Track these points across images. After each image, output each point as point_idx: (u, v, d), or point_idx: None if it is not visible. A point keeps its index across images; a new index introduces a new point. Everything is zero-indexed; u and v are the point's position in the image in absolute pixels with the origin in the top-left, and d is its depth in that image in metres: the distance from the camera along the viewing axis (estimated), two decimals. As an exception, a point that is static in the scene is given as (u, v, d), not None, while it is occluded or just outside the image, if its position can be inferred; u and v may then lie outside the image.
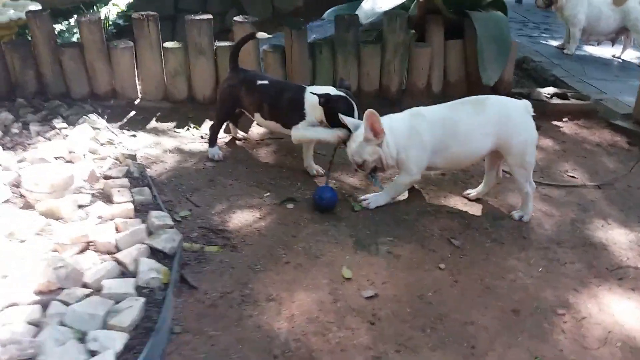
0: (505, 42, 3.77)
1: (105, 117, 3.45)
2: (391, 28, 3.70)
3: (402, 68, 3.83)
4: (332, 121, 2.73)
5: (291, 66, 3.71)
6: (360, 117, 2.62)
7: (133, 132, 3.36)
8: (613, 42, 5.28)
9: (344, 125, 2.65)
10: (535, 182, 2.66)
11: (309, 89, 2.84)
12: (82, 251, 2.09)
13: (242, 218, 2.55)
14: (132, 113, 3.64)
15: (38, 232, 2.17)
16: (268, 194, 2.77)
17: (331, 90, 2.75)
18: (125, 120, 3.50)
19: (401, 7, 3.87)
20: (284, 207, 2.66)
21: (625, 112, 3.80)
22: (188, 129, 3.49)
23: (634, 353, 1.87)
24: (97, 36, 3.53)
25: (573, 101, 3.94)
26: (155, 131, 3.44)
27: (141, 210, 2.43)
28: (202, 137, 3.39)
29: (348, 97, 2.72)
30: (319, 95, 2.68)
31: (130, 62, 3.64)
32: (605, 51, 5.42)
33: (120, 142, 3.11)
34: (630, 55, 5.24)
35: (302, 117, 2.85)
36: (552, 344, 1.89)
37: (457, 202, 2.76)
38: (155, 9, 6.82)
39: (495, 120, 2.52)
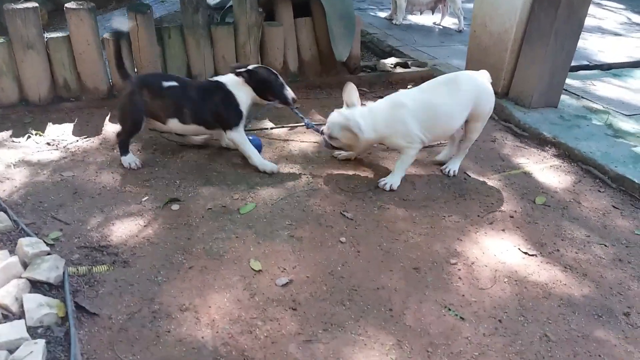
0: (351, 18, 3.94)
1: None
2: (242, 9, 3.61)
3: (256, 49, 3.78)
4: (264, 95, 2.82)
5: (138, 54, 3.42)
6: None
7: (-41, 149, 2.82)
8: (433, 10, 5.86)
9: (273, 96, 2.82)
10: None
11: (224, 79, 2.82)
12: (-60, 303, 1.73)
13: (124, 229, 2.33)
14: (-49, 126, 3.05)
15: None
16: (146, 197, 2.56)
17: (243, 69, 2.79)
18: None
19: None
20: (169, 209, 2.49)
21: (457, 75, 4.27)
22: (29, 137, 3.04)
23: (518, 284, 2.17)
24: None
25: (414, 69, 4.31)
26: (-13, 145, 2.93)
27: (3, 241, 2.08)
28: (48, 143, 2.99)
29: (261, 65, 2.82)
30: (240, 73, 2.72)
31: (-64, 65, 3.02)
32: (426, 19, 5.99)
33: (-53, 164, 2.60)
34: (448, 22, 5.87)
35: (240, 114, 2.78)
36: (454, 291, 2.11)
37: (338, 177, 2.86)
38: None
39: (471, 95, 2.74)
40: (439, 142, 3.23)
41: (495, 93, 3.84)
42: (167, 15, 5.52)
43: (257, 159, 2.83)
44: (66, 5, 3.23)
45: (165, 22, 5.07)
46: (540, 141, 3.39)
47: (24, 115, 3.25)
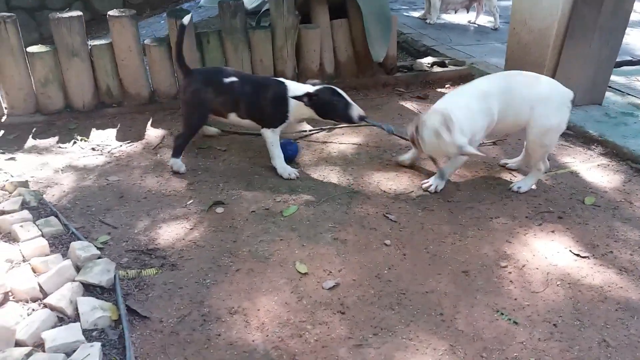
0: (388, 18, 3.90)
1: (-29, 141, 2.93)
2: (279, 12, 3.61)
3: (293, 52, 3.78)
4: (326, 116, 2.74)
5: (179, 60, 3.46)
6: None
7: (10, 155, 2.90)
8: (467, 9, 5.76)
9: (338, 117, 2.74)
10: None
11: (289, 84, 2.77)
12: (1, 305, 1.77)
13: (171, 232, 2.35)
14: (1, 133, 3.14)
15: None
16: (191, 201, 2.58)
17: (308, 88, 2.72)
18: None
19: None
20: (213, 212, 2.51)
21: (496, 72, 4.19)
22: (75, 143, 3.11)
23: (572, 287, 2.10)
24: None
25: (451, 68, 4.24)
26: (37, 150, 3.01)
27: (55, 244, 2.12)
28: (93, 149, 3.05)
29: (327, 85, 2.74)
30: (300, 98, 2.68)
31: (-12, 73, 3.12)
32: (461, 18, 5.90)
33: (0, 169, 2.67)
34: (483, 20, 5.77)
35: (284, 119, 2.77)
36: (506, 295, 2.05)
37: (379, 179, 2.83)
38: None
39: (529, 98, 2.57)
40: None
41: (537, 91, 3.80)
42: (201, 22, 5.59)
43: (280, 162, 2.81)
44: (109, 12, 3.29)
45: (199, 28, 5.13)
46: (586, 139, 3.29)
47: (69, 122, 3.32)
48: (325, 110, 2.71)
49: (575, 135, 3.34)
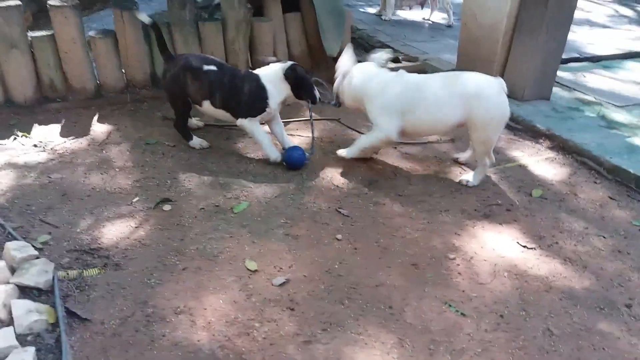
0: (341, 13, 3.90)
1: None
2: (230, 4, 3.55)
3: (246, 45, 3.72)
4: (299, 93, 2.82)
5: (126, 52, 3.36)
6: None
7: (-58, 153, 2.74)
8: (422, 5, 5.82)
9: (310, 90, 2.83)
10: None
11: (261, 73, 2.81)
12: None
13: (115, 231, 2.27)
14: None
15: None
16: (137, 198, 2.50)
17: (276, 66, 2.82)
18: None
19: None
20: (160, 209, 2.44)
21: (449, 69, 4.24)
22: (15, 139, 2.96)
23: (519, 278, 2.14)
24: None
25: (405, 63, 4.26)
26: (-26, 147, 2.85)
27: (-11, 245, 2.01)
28: (35, 145, 2.91)
29: (294, 62, 2.86)
30: (287, 70, 2.75)
31: None
32: (416, 15, 5.95)
33: None
34: (437, 17, 5.83)
35: (263, 108, 2.78)
36: (454, 287, 2.07)
37: (332, 173, 2.81)
38: None
39: (462, 96, 2.61)
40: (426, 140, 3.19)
41: (487, 86, 3.87)
42: (154, 15, 5.43)
43: (268, 146, 2.84)
44: (49, 2, 3.14)
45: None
46: (534, 134, 3.37)
47: (9, 117, 3.16)
48: (299, 85, 2.80)
49: (523, 129, 3.42)
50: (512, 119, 3.52)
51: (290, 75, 2.77)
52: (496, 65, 3.82)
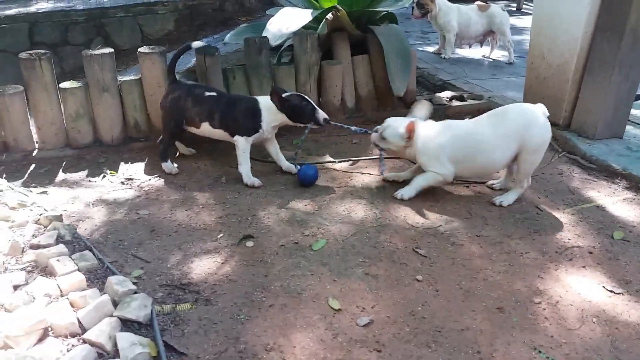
0: (408, 54, 3.99)
1: (5, 175, 2.98)
2: (302, 49, 3.71)
3: (315, 86, 3.86)
4: (298, 118, 3.01)
5: (205, 95, 3.54)
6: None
7: (42, 189, 2.96)
8: (481, 43, 5.86)
9: (306, 119, 3.00)
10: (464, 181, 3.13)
11: (260, 99, 3.05)
12: (41, 340, 1.78)
13: (203, 266, 2.37)
14: (32, 166, 3.21)
15: (-25, 329, 1.80)
16: (221, 234, 2.61)
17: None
18: (26, 176, 3.07)
19: (304, 27, 3.90)
20: (243, 246, 2.53)
21: (514, 107, 4.24)
22: (104, 177, 3.16)
23: (608, 324, 2.07)
24: (-23, 84, 3.05)
25: (470, 102, 4.29)
26: (67, 184, 3.06)
27: (91, 279, 2.14)
28: (122, 182, 3.10)
29: (295, 93, 3.09)
30: (273, 98, 2.96)
31: (22, 108, 3.21)
32: (475, 52, 5.99)
33: (33, 203, 2.71)
34: (497, 54, 5.85)
35: (257, 128, 3.01)
36: (542, 332, 2.03)
37: (407, 213, 2.84)
38: (7, 43, 6.18)
39: (517, 127, 2.79)
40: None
41: (557, 125, 3.83)
42: (221, 57, 5.72)
43: (245, 169, 3.05)
44: (139, 49, 3.39)
45: (221, 62, 5.26)
46: (609, 173, 3.29)
47: (98, 156, 3.39)
48: (295, 113, 3.00)
49: (597, 169, 3.35)
50: (585, 157, 3.47)
51: (282, 108, 2.98)
52: (566, 104, 3.78)
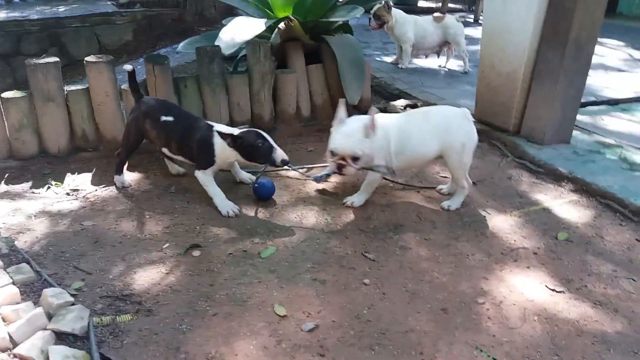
0: (362, 63, 4.03)
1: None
2: (256, 57, 3.71)
3: (270, 95, 3.85)
4: (249, 157, 2.83)
5: (156, 104, 3.49)
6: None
7: (-19, 202, 2.85)
8: (438, 54, 5.98)
9: (261, 160, 2.80)
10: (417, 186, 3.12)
11: (216, 127, 2.85)
12: (-34, 357, 1.70)
13: (146, 277, 2.31)
14: (-28, 179, 3.09)
15: None
16: (167, 244, 2.56)
17: (234, 130, 2.81)
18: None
19: (259, 36, 3.90)
20: (190, 255, 2.48)
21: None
22: (49, 188, 3.07)
23: (549, 322, 2.12)
24: None
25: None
26: (9, 195, 2.96)
27: (27, 292, 2.07)
28: (68, 194, 3.02)
29: (251, 129, 2.86)
30: (224, 137, 2.76)
31: (-40, 120, 3.09)
32: (432, 62, 6.11)
33: (-30, 216, 2.61)
34: (453, 64, 5.98)
35: (211, 162, 2.85)
36: (485, 332, 2.06)
37: (357, 218, 2.85)
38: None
39: (439, 128, 2.85)
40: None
41: (507, 131, 3.94)
42: (178, 67, 5.68)
43: (220, 200, 2.87)
44: (86, 58, 3.32)
45: (176, 72, 5.21)
46: (556, 177, 3.38)
47: (43, 167, 3.29)
48: (248, 152, 2.80)
49: (546, 172, 3.44)
50: (534, 162, 3.56)
51: (234, 146, 2.79)
52: (515, 111, 3.89)
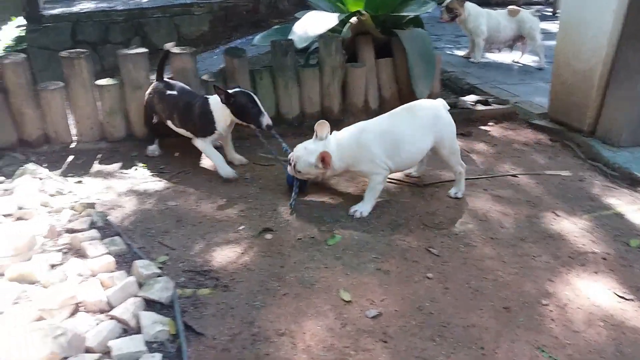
0: (432, 57, 4.04)
1: (46, 165, 3.19)
2: (327, 51, 3.82)
3: (339, 88, 3.95)
4: (242, 117, 3.04)
5: (234, 94, 3.69)
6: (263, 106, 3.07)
7: (78, 178, 3.15)
8: (511, 48, 5.85)
9: (250, 120, 3.02)
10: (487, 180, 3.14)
11: (211, 99, 3.12)
12: (72, 314, 1.94)
13: (224, 255, 2.50)
14: (70, 158, 3.41)
15: (15, 300, 1.98)
16: (242, 226, 2.73)
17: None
18: (65, 166, 3.27)
19: (332, 30, 4.00)
20: (262, 238, 2.65)
21: (540, 112, 4.24)
22: (136, 169, 3.33)
23: (615, 328, 2.10)
24: (23, 79, 3.27)
25: (495, 106, 4.32)
26: (102, 174, 3.25)
27: (119, 262, 2.30)
28: (152, 175, 3.27)
29: (243, 89, 3.09)
30: (219, 93, 2.98)
31: (61, 104, 3.41)
32: (505, 57, 5.97)
33: (70, 191, 2.90)
34: (527, 59, 5.83)
35: (212, 130, 3.12)
36: (547, 333, 2.08)
37: (422, 212, 2.91)
38: (51, 41, 6.46)
39: (429, 122, 2.89)
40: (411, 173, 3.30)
41: (581, 131, 3.84)
42: (252, 58, 5.89)
43: (220, 163, 3.15)
44: (171, 50, 3.56)
45: (250, 63, 5.42)
46: (632, 181, 3.27)
47: (131, 149, 3.57)
48: (240, 111, 3.02)
49: (620, 176, 3.34)
50: (608, 165, 3.46)
51: (226, 102, 3.01)
52: (590, 111, 3.78)
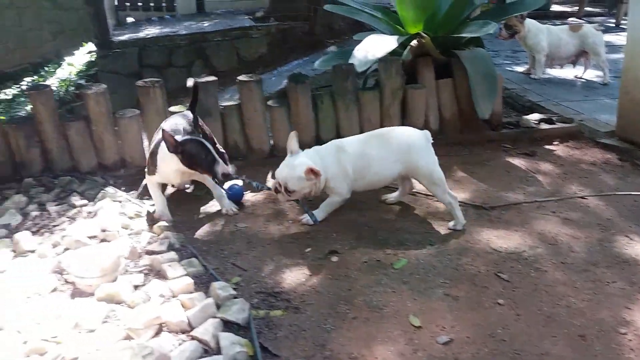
0: (493, 77, 4.02)
1: (123, 188, 3.40)
2: (388, 74, 3.87)
3: (399, 110, 3.99)
4: (194, 166, 2.81)
5: (297, 118, 3.81)
6: (218, 151, 2.94)
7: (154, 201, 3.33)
8: (574, 64, 5.70)
9: (206, 167, 2.77)
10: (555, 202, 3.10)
11: (163, 125, 2.95)
12: (156, 334, 2.06)
13: (293, 277, 2.57)
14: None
15: (104, 319, 2.12)
16: (309, 249, 2.81)
17: (180, 134, 2.82)
18: (140, 189, 3.46)
19: (391, 52, 4.05)
20: (329, 260, 2.71)
21: (607, 130, 4.11)
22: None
23: (701, 362, 2.02)
24: (104, 108, 3.51)
25: (559, 125, 4.23)
26: (176, 197, 3.42)
27: (197, 283, 2.42)
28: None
29: (195, 138, 2.81)
30: (167, 138, 2.69)
31: (137, 130, 3.62)
32: (567, 73, 5.83)
33: (147, 213, 3.08)
34: (591, 74, 5.66)
35: (153, 170, 2.95)
36: (627, 364, 2.02)
37: (490, 236, 2.89)
38: (120, 66, 6.82)
39: (400, 150, 2.93)
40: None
41: (652, 150, 3.69)
42: (309, 78, 6.03)
43: (158, 204, 3.02)
44: (238, 77, 3.73)
45: (310, 82, 5.56)
46: None
47: (201, 172, 3.74)
48: (190, 161, 2.77)
49: (699, 198, 3.19)
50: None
51: (174, 152, 2.73)
52: (663, 129, 3.64)
